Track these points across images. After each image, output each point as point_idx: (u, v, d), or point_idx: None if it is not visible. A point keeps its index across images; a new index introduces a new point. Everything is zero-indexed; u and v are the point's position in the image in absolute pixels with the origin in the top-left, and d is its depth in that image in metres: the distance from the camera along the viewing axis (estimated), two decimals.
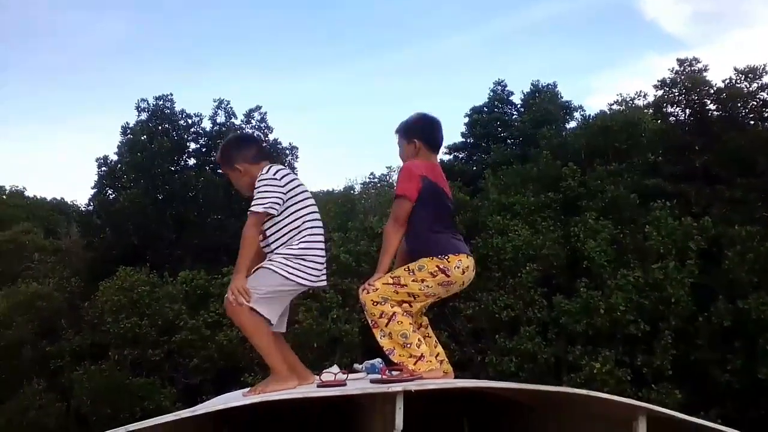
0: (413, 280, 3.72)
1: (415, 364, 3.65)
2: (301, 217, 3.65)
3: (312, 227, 3.68)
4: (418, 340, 3.71)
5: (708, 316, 18.29)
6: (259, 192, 3.55)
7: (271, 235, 3.63)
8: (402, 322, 3.68)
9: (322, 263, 3.69)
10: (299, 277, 3.59)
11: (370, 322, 3.80)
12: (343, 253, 19.37)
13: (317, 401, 4.12)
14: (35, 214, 38.42)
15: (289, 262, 3.57)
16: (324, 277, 3.72)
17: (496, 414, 4.82)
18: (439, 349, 3.97)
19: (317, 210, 3.76)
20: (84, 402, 20.41)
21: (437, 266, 3.73)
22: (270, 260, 3.60)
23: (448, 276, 3.75)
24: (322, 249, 3.72)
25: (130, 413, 18.81)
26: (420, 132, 4.02)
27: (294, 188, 3.64)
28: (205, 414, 3.37)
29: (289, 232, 3.62)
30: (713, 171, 21.53)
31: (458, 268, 3.79)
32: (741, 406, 17.41)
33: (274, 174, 3.60)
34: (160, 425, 3.10)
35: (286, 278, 3.55)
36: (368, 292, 3.73)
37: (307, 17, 71.04)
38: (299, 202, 3.67)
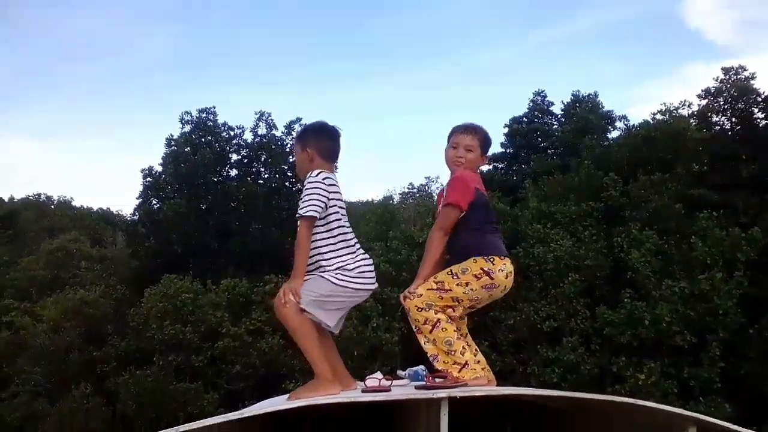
0: (458, 284, 3.72)
1: (459, 371, 3.64)
2: (343, 225, 3.70)
3: (352, 234, 3.75)
4: (463, 347, 3.71)
5: (759, 328, 17.82)
6: (305, 195, 3.60)
7: (318, 243, 3.66)
8: (446, 329, 3.68)
9: (371, 268, 3.74)
10: (354, 283, 3.64)
11: (414, 328, 3.81)
12: (383, 262, 19.41)
13: (362, 406, 4.14)
14: (82, 224, 39.38)
15: (341, 271, 3.63)
16: (375, 282, 3.76)
17: (540, 422, 4.78)
18: (480, 357, 3.96)
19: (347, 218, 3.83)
20: (129, 406, 20.80)
21: (482, 268, 3.74)
22: (321, 270, 3.65)
23: (492, 279, 3.76)
24: (367, 254, 3.78)
25: (173, 418, 19.08)
26: (487, 146, 4.10)
27: (337, 198, 3.69)
28: (252, 417, 3.42)
29: (332, 239, 3.66)
30: (761, 180, 21.01)
31: (502, 271, 3.81)
32: None
33: (323, 179, 3.64)
34: (208, 427, 3.16)
35: (339, 285, 3.60)
36: (411, 299, 3.75)
37: (347, 29, 71.67)
38: (340, 209, 3.71)
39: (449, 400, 3.24)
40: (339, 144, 3.94)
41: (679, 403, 16.29)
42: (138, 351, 22.29)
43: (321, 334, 3.78)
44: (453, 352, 3.68)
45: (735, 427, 3.26)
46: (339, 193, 3.73)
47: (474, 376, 3.67)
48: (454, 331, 3.73)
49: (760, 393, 17.53)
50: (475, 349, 3.96)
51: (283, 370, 19.26)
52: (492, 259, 3.78)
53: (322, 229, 3.66)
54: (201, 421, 3.22)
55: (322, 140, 3.86)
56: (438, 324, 3.70)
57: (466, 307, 3.86)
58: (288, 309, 3.57)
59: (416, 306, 3.74)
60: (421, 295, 3.74)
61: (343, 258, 3.66)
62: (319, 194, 3.61)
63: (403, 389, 3.84)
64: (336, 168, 3.94)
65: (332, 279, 3.61)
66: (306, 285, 3.62)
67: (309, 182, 3.64)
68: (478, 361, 3.86)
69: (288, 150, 27.54)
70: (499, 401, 4.54)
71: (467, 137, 4.01)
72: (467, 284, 3.74)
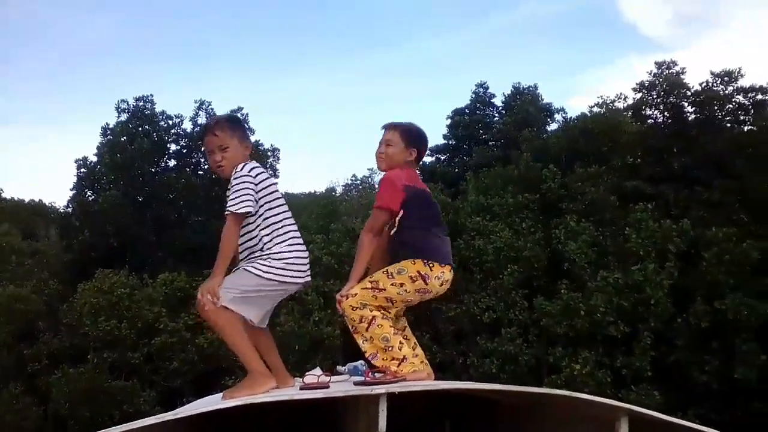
0: (392, 284, 3.68)
1: (398, 366, 3.63)
2: (277, 215, 3.58)
3: (290, 224, 3.62)
4: (399, 342, 3.69)
5: (686, 317, 18.51)
6: (235, 191, 3.48)
7: (247, 236, 3.56)
8: (382, 326, 3.66)
9: (305, 260, 3.64)
10: (281, 276, 3.52)
11: (350, 328, 3.76)
12: (325, 255, 19.34)
13: (300, 404, 4.10)
14: (13, 216, 37.92)
15: (268, 263, 3.50)
16: (307, 275, 3.66)
17: (479, 415, 4.83)
18: (419, 350, 3.94)
19: (286, 204, 3.68)
20: (62, 405, 20.22)
21: (418, 271, 3.70)
22: (249, 262, 3.55)
23: (426, 284, 3.73)
24: (302, 246, 3.66)
25: (108, 417, 18.66)
26: (421, 144, 4.03)
27: (267, 186, 3.58)
28: (187, 417, 3.33)
29: (264, 231, 3.55)
30: (691, 173, 21.81)
31: (438, 278, 3.77)
32: (719, 407, 17.63)
33: (249, 171, 3.53)
34: (141, 428, 3.06)
35: (265, 278, 3.48)
36: (346, 299, 3.71)
37: (289, 19, 70.91)
38: (273, 200, 3.60)
39: (388, 395, 3.23)
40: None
41: (613, 391, 16.83)
42: (71, 348, 21.68)
43: (254, 331, 3.68)
44: (390, 348, 3.66)
45: (663, 416, 3.34)
46: (271, 180, 3.64)
47: (412, 370, 3.66)
48: (390, 326, 3.71)
49: (687, 379, 18.23)
50: (414, 343, 3.95)
51: (223, 365, 19.00)
52: (431, 264, 3.74)
53: (250, 219, 3.55)
54: (134, 422, 3.12)
55: (247, 134, 3.83)
56: (374, 321, 3.68)
57: (399, 307, 3.84)
58: (210, 310, 3.44)
59: (351, 305, 3.70)
60: (355, 294, 3.71)
61: (270, 248, 3.54)
62: (249, 188, 3.50)
63: (341, 385, 3.81)
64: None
65: (257, 271, 3.49)
66: (229, 279, 3.49)
67: (238, 176, 3.52)
68: (416, 355, 3.86)
69: None
70: (438, 395, 4.56)
71: (387, 133, 3.99)
72: (401, 285, 3.71)
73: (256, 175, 3.56)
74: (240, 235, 3.56)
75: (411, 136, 4.01)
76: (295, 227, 3.67)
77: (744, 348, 17.71)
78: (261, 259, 3.52)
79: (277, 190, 3.67)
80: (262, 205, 3.56)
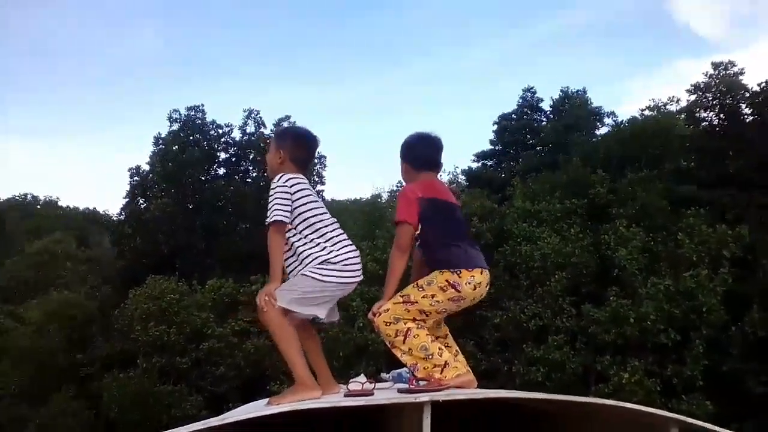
0: (423, 297, 3.65)
1: (441, 372, 3.59)
2: (314, 224, 3.62)
3: (335, 226, 3.68)
4: (439, 348, 3.64)
5: (741, 325, 17.95)
6: (270, 201, 3.59)
7: (298, 246, 3.61)
8: (419, 335, 3.61)
9: (358, 258, 3.68)
10: (341, 277, 3.58)
11: (387, 343, 3.73)
12: (370, 261, 19.36)
13: (344, 411, 4.09)
14: (68, 224, 39.11)
15: (326, 267, 3.56)
16: (361, 272, 3.70)
17: (524, 424, 4.75)
18: (461, 357, 3.90)
19: (324, 207, 3.75)
20: (112, 409, 20.67)
21: (447, 281, 3.65)
22: (307, 268, 3.58)
23: (459, 291, 3.66)
24: (352, 245, 3.71)
25: (157, 421, 18.97)
26: (409, 152, 4.00)
27: (303, 197, 3.63)
28: (232, 423, 3.36)
29: (306, 242, 3.60)
30: (748, 177, 21.13)
31: (470, 283, 3.69)
32: None
33: (285, 182, 3.61)
34: None
35: (325, 281, 3.55)
36: (379, 315, 3.69)
37: (337, 27, 71.60)
38: (315, 205, 3.65)
39: (432, 403, 3.20)
40: (314, 155, 3.98)
41: (662, 401, 16.42)
42: (122, 353, 22.14)
43: (306, 335, 3.74)
44: (431, 356, 3.62)
45: (716, 428, 3.23)
46: (307, 189, 3.69)
47: (456, 374, 3.61)
48: (427, 335, 3.67)
49: (740, 390, 17.65)
50: (456, 350, 3.91)
51: (268, 371, 19.17)
52: (459, 272, 3.68)
53: (297, 227, 3.63)
54: (181, 428, 3.16)
55: (299, 147, 3.83)
56: (409, 332, 3.64)
57: (435, 318, 3.80)
58: (268, 313, 3.53)
59: (384, 321, 3.69)
60: (387, 309, 3.69)
61: (322, 252, 3.60)
62: (283, 198, 3.59)
63: (385, 393, 3.79)
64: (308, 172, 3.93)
65: (314, 275, 3.55)
66: (289, 283, 3.59)
67: (273, 188, 3.63)
68: (458, 361, 3.81)
69: None
70: (482, 404, 4.51)
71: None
72: (433, 296, 3.67)
73: (292, 186, 3.63)
74: (294, 248, 3.63)
75: (402, 152, 4.02)
76: (340, 229, 3.73)
77: None
78: (319, 264, 3.58)
79: (312, 194, 3.72)
80: (300, 213, 3.61)
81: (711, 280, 18.02)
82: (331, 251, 3.61)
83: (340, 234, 3.70)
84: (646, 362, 17.64)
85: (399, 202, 3.87)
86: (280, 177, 3.66)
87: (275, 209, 3.56)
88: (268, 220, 3.58)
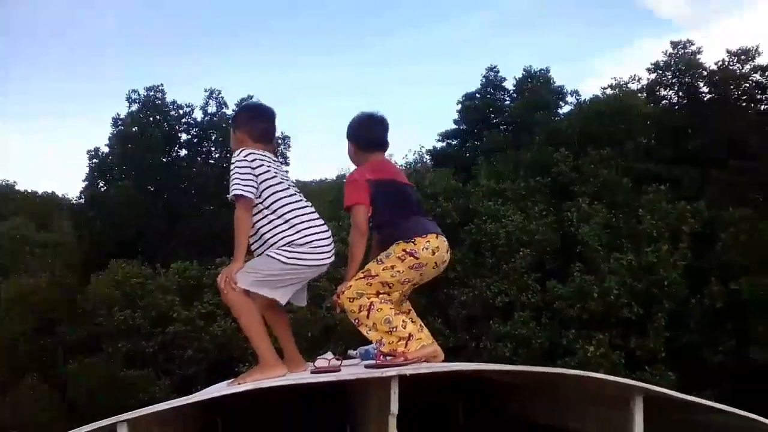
0: (383, 269, 3.67)
1: (405, 345, 3.60)
2: (278, 200, 3.53)
3: (297, 207, 3.57)
4: (403, 321, 3.65)
5: (701, 298, 18.39)
6: (233, 176, 3.48)
7: (260, 222, 3.53)
8: (382, 309, 3.63)
9: (329, 240, 3.60)
10: (308, 259, 3.51)
11: (353, 321, 3.74)
12: (337, 241, 19.27)
13: (311, 388, 4.09)
14: (27, 208, 38.27)
15: (292, 249, 3.48)
16: (332, 254, 3.62)
17: (491, 397, 4.80)
18: (426, 331, 3.93)
19: (292, 186, 3.66)
20: (79, 395, 20.42)
21: (404, 250, 3.68)
22: (272, 249, 3.50)
23: (417, 258, 3.69)
24: (319, 225, 3.61)
25: (124, 405, 18.73)
26: (353, 133, 4.01)
27: (265, 172, 3.53)
28: (197, 403, 3.33)
29: (273, 221, 3.51)
30: (706, 154, 21.58)
31: (426, 248, 3.72)
32: (735, 387, 17.53)
33: (245, 156, 3.51)
34: (153, 414, 3.06)
35: (290, 264, 3.47)
36: (343, 293, 3.70)
37: (299, 5, 70.74)
38: (274, 186, 3.54)
39: (399, 378, 3.20)
40: (273, 124, 3.82)
41: (626, 373, 16.75)
42: (87, 338, 21.86)
43: (273, 310, 3.68)
44: (395, 329, 3.62)
45: (679, 394, 3.30)
46: (267, 164, 3.57)
47: (420, 346, 3.62)
48: (390, 308, 3.68)
49: (700, 360, 18.15)
50: (420, 325, 3.91)
51: (236, 353, 19.10)
52: (413, 240, 3.72)
53: (260, 207, 3.53)
54: (145, 408, 3.12)
55: (254, 121, 3.74)
56: (372, 307, 3.65)
57: (399, 290, 3.80)
58: (228, 294, 3.46)
59: (348, 298, 3.69)
60: (350, 286, 3.70)
61: (287, 233, 3.51)
62: (246, 173, 3.49)
63: (352, 369, 3.79)
64: (274, 148, 3.84)
65: (279, 257, 3.47)
66: (250, 264, 3.50)
67: (233, 163, 3.54)
68: (423, 333, 3.82)
69: None
70: (450, 377, 4.54)
71: None
72: (393, 267, 3.69)
73: (253, 160, 3.53)
74: (259, 227, 3.54)
75: (349, 134, 4.04)
76: (310, 209, 3.64)
77: (759, 329, 17.58)
78: (284, 246, 3.50)
79: (274, 170, 3.60)
80: (264, 189, 3.53)
81: (671, 255, 18.41)
82: (297, 232, 3.52)
83: (309, 213, 3.60)
84: (610, 336, 18.00)
85: (348, 188, 3.87)
86: (240, 152, 3.56)
87: (235, 184, 3.47)
88: (229, 195, 3.49)
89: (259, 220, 3.55)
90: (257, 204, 3.54)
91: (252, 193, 3.49)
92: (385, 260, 3.71)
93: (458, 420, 5.03)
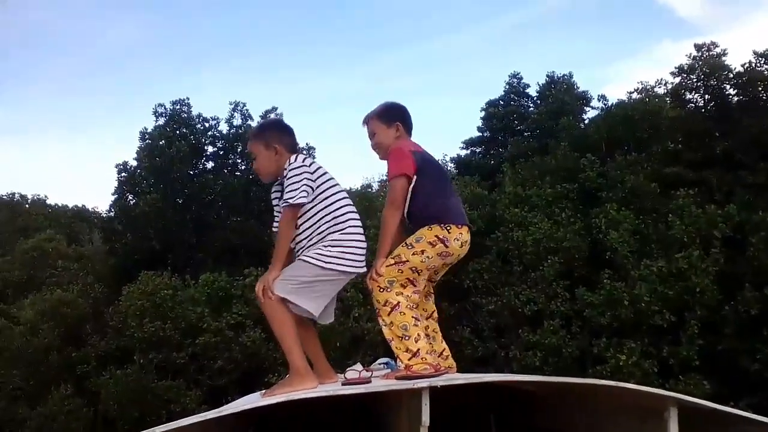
0: (413, 254, 3.67)
1: (409, 359, 3.59)
2: (333, 203, 3.58)
3: (347, 212, 3.61)
4: (417, 334, 3.63)
5: (734, 304, 18.07)
6: (291, 183, 3.48)
7: (304, 225, 3.56)
8: (404, 314, 3.62)
9: (362, 248, 3.62)
10: (339, 264, 3.51)
11: (375, 309, 3.78)
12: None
13: (342, 399, 4.10)
14: (58, 222, 38.85)
15: (325, 251, 3.50)
16: (363, 263, 3.64)
17: (523, 408, 4.77)
18: (442, 345, 3.95)
19: (347, 195, 3.69)
20: (111, 406, 20.64)
21: (436, 236, 3.69)
22: (307, 251, 3.54)
23: (447, 247, 3.71)
24: (360, 234, 3.64)
25: (156, 416, 18.97)
26: (400, 116, 4.02)
27: (322, 175, 3.60)
28: (230, 415, 3.35)
29: (322, 220, 3.55)
30: (735, 157, 21.23)
31: (458, 240, 3.75)
32: None
33: (303, 161, 3.55)
34: (186, 427, 3.09)
35: (323, 268, 3.48)
36: (375, 279, 3.70)
37: (321, 16, 71.14)
38: (329, 188, 3.60)
39: (430, 389, 3.19)
40: (295, 138, 3.88)
41: (659, 381, 16.53)
42: (118, 350, 22.11)
43: (303, 325, 3.69)
44: (407, 338, 3.61)
45: (714, 405, 3.25)
46: (321, 169, 3.63)
47: (423, 368, 3.59)
48: (413, 317, 3.67)
49: (736, 368, 17.79)
50: (433, 339, 3.90)
51: (265, 363, 19.20)
52: (448, 227, 3.73)
53: (308, 207, 3.55)
54: (177, 421, 3.15)
55: (286, 133, 3.78)
56: (397, 307, 3.64)
57: (426, 276, 3.80)
58: (267, 302, 3.49)
59: (379, 286, 3.69)
60: (381, 275, 3.69)
61: (326, 236, 3.55)
62: (307, 179, 3.52)
63: (383, 380, 3.79)
64: None
65: (312, 260, 3.49)
66: (286, 271, 3.51)
67: (293, 168, 3.53)
68: (432, 351, 3.79)
69: None
70: (481, 388, 4.52)
71: (368, 126, 4.06)
72: (423, 252, 3.69)
73: (310, 165, 3.58)
74: (301, 227, 3.57)
75: (387, 114, 4.03)
76: (355, 215, 3.66)
77: None
78: (317, 247, 3.53)
79: (332, 178, 3.66)
80: (318, 195, 3.56)
81: (703, 261, 18.13)
82: (337, 236, 3.55)
83: (354, 220, 3.63)
84: (642, 344, 17.74)
85: (393, 157, 3.84)
86: (297, 157, 3.57)
87: (298, 191, 3.48)
88: (290, 201, 3.49)
89: (306, 220, 3.56)
90: (313, 204, 3.55)
91: (304, 198, 3.50)
92: (416, 245, 3.70)
93: (490, 431, 5.00)
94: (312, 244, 3.56)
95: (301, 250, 3.60)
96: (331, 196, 3.60)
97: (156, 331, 20.98)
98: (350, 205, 3.68)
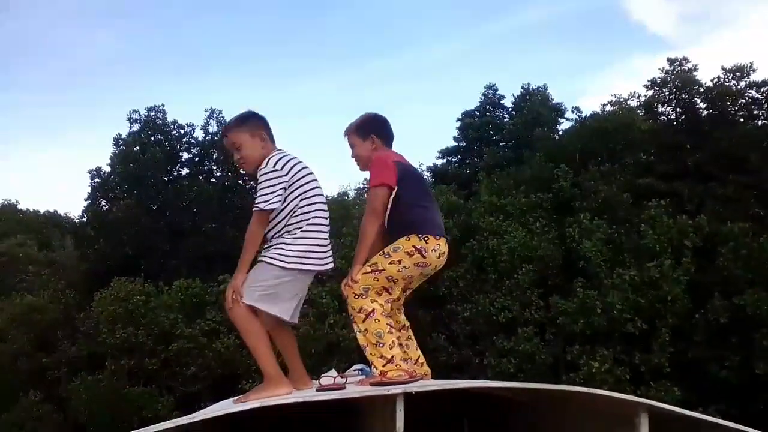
0: (390, 263, 3.68)
1: (383, 365, 3.60)
2: (298, 201, 3.51)
3: (312, 209, 3.55)
4: (392, 342, 3.64)
5: (704, 313, 18.35)
6: (265, 186, 3.44)
7: (272, 223, 3.51)
8: (379, 321, 3.63)
9: (326, 244, 3.58)
10: (301, 263, 3.47)
11: (350, 315, 3.78)
12: (339, 258, 19.35)
13: (317, 405, 4.09)
14: (29, 227, 38.29)
15: (286, 251, 3.46)
16: (330, 259, 3.61)
17: (497, 414, 4.80)
18: (417, 352, 3.95)
19: (319, 187, 3.63)
20: (81, 412, 20.37)
21: (414, 246, 3.70)
22: (267, 252, 3.50)
23: (424, 257, 3.72)
24: (322, 232, 3.59)
25: (127, 423, 18.72)
26: (375, 128, 4.04)
27: (297, 173, 3.53)
28: (203, 421, 3.34)
29: (286, 219, 3.50)
30: (705, 169, 21.63)
31: (435, 251, 3.76)
32: (740, 402, 17.44)
33: (274, 165, 3.48)
34: None
35: (284, 269, 3.44)
36: (351, 286, 3.72)
37: (297, 25, 71.08)
38: (300, 186, 3.53)
39: (405, 395, 3.21)
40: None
41: (631, 388, 16.71)
42: (89, 356, 21.81)
43: (280, 330, 3.66)
44: (381, 345, 3.62)
45: (684, 411, 3.31)
46: (298, 166, 3.57)
47: (397, 375, 3.60)
48: (387, 324, 3.68)
49: (706, 375, 18.07)
50: (408, 347, 3.91)
51: (239, 370, 19.05)
52: (426, 238, 3.74)
53: (278, 209, 3.50)
54: (149, 427, 3.12)
55: (266, 125, 3.73)
56: (372, 314, 3.65)
57: (401, 286, 3.82)
58: (235, 309, 3.45)
59: (354, 293, 3.70)
60: (357, 282, 3.71)
61: (287, 237, 3.50)
62: (283, 184, 3.48)
63: (357, 386, 3.80)
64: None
65: (271, 260, 3.45)
66: (250, 276, 3.47)
67: (269, 172, 3.48)
68: (410, 358, 3.82)
69: None
70: (455, 394, 4.54)
71: (347, 139, 4.10)
72: (400, 262, 3.70)
73: (283, 167, 3.50)
74: (269, 226, 3.54)
75: (363, 128, 4.05)
76: (319, 211, 3.59)
77: (764, 343, 17.52)
78: (276, 247, 3.50)
79: (308, 174, 3.60)
80: (292, 194, 3.51)
81: (674, 270, 18.40)
82: (297, 234, 3.50)
83: (321, 219, 3.58)
84: (614, 351, 17.95)
85: (376, 167, 3.86)
86: (268, 161, 3.51)
87: (266, 196, 3.43)
88: (259, 206, 3.45)
89: (275, 222, 3.53)
90: (286, 202, 3.50)
91: (275, 204, 3.45)
92: (393, 254, 3.71)
93: None
94: (274, 245, 3.52)
95: (264, 249, 3.56)
96: (298, 194, 3.54)
97: (128, 337, 20.75)
98: (317, 194, 3.62)
